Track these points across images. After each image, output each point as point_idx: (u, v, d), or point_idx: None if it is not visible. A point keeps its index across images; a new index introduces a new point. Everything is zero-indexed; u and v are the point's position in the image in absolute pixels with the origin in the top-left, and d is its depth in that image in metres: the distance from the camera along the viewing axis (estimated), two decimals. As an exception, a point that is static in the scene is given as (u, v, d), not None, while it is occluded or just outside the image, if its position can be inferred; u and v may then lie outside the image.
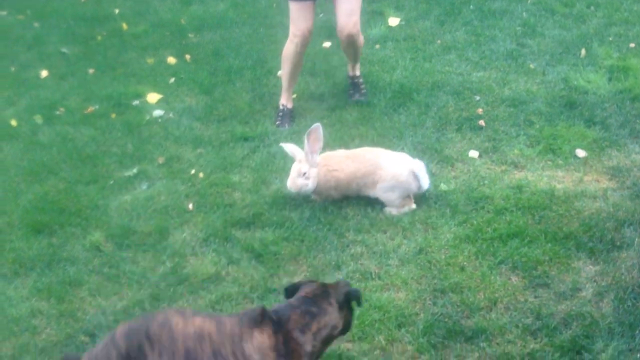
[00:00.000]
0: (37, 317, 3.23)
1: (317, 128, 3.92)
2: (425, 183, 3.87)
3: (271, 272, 3.42)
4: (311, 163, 3.92)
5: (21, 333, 3.12)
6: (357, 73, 5.36)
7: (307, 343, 2.38)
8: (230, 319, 2.38)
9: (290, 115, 5.09)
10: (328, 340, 2.50)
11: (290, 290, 2.56)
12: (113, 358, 2.24)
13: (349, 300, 2.52)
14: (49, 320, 3.19)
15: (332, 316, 2.46)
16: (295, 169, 3.95)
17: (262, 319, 2.35)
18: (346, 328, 2.56)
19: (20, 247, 3.77)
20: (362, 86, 5.32)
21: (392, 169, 3.86)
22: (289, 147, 4.04)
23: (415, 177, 3.83)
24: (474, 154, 4.31)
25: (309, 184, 3.92)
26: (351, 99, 5.21)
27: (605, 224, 3.50)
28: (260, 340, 2.31)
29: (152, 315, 2.38)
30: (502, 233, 3.52)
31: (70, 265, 3.59)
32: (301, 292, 2.50)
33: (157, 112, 5.43)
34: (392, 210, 3.85)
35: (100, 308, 3.25)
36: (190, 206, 4.05)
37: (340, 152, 4.09)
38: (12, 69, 6.92)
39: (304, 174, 3.90)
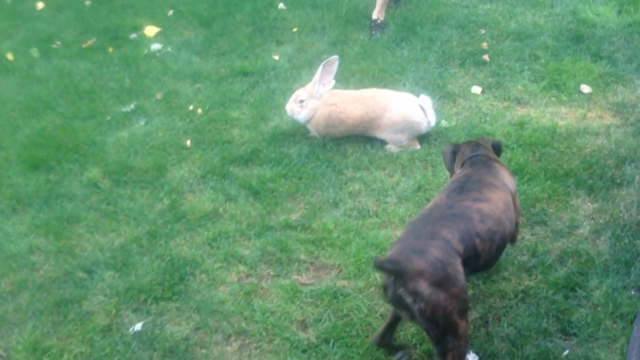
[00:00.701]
0: (36, 253, 3.25)
1: (335, 61, 3.85)
2: (433, 118, 3.81)
3: (268, 209, 3.41)
4: (313, 94, 3.86)
5: (20, 269, 3.16)
6: (382, 18, 5.14)
7: None
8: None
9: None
10: None
11: (452, 152, 2.86)
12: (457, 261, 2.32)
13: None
14: (47, 257, 3.22)
15: None
16: (295, 93, 3.92)
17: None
18: None
19: (18, 183, 3.77)
20: (384, 29, 5.12)
21: (403, 110, 3.78)
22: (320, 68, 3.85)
23: (423, 111, 3.78)
24: (476, 89, 4.22)
25: (302, 113, 3.87)
26: (372, 38, 5.05)
27: (606, 161, 3.45)
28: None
29: (464, 213, 2.45)
30: (502, 170, 3.47)
31: (68, 201, 3.59)
32: (467, 148, 2.81)
33: (155, 46, 5.32)
34: (392, 148, 3.80)
35: (97, 245, 3.26)
36: (188, 143, 4.02)
37: (349, 93, 4.00)
38: (8, 0, 6.77)
39: (301, 101, 3.85)
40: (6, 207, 3.60)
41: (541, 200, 3.26)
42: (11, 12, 6.42)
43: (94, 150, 4.01)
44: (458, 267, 2.30)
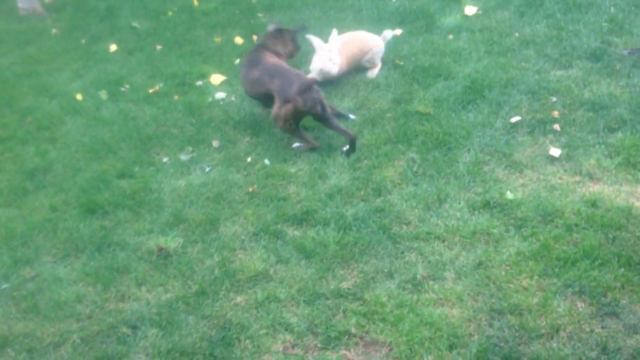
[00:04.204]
0: (82, 302, 3.22)
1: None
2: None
3: (320, 274, 3.29)
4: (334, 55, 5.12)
5: (65, 318, 3.12)
6: None
7: None
8: None
9: None
10: None
11: None
12: None
13: None
14: (93, 308, 3.18)
15: None
16: (325, 56, 5.08)
17: None
18: None
19: (74, 227, 3.78)
20: None
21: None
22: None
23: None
24: (555, 152, 4.04)
25: (334, 69, 5.13)
26: None
27: (689, 252, 3.18)
28: None
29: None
30: (571, 252, 3.25)
31: (120, 250, 3.57)
32: None
33: (220, 95, 5.36)
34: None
35: (144, 299, 3.20)
36: (244, 197, 3.96)
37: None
38: (83, 41, 7.02)
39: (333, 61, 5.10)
40: (60, 251, 3.61)
41: (613, 289, 3.02)
42: (85, 53, 6.64)
43: (150, 198, 4.01)
44: None
